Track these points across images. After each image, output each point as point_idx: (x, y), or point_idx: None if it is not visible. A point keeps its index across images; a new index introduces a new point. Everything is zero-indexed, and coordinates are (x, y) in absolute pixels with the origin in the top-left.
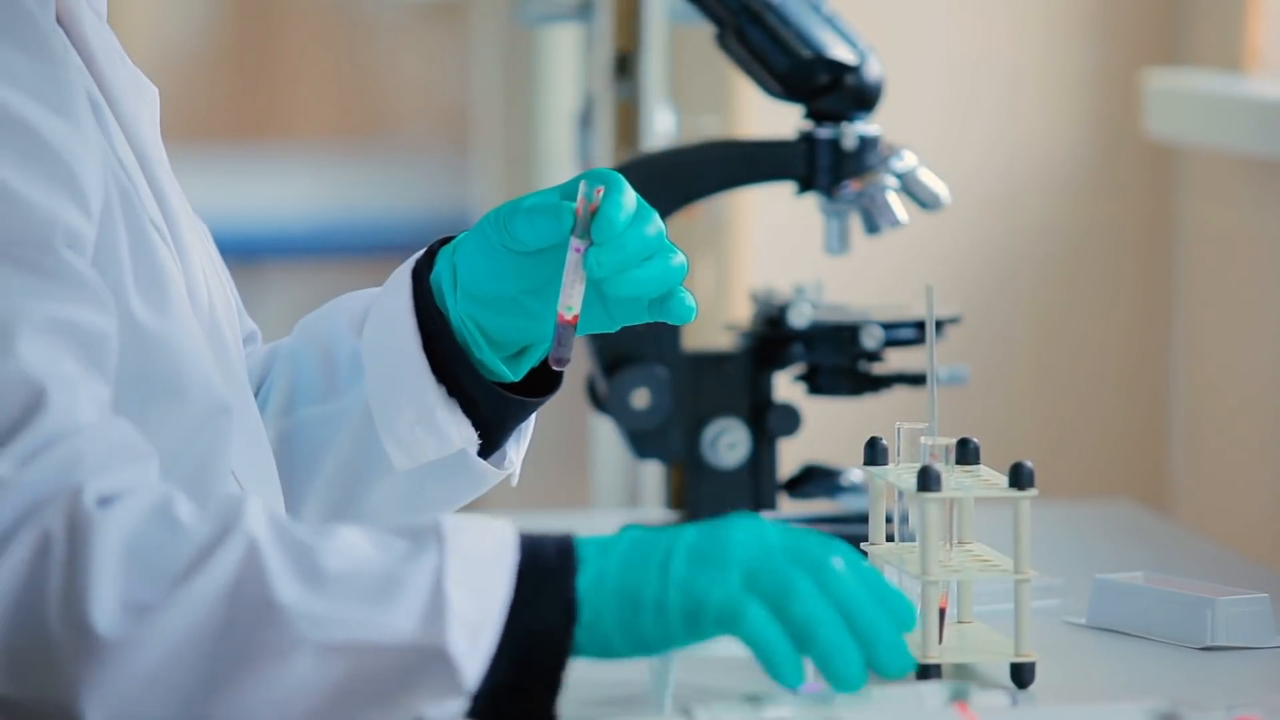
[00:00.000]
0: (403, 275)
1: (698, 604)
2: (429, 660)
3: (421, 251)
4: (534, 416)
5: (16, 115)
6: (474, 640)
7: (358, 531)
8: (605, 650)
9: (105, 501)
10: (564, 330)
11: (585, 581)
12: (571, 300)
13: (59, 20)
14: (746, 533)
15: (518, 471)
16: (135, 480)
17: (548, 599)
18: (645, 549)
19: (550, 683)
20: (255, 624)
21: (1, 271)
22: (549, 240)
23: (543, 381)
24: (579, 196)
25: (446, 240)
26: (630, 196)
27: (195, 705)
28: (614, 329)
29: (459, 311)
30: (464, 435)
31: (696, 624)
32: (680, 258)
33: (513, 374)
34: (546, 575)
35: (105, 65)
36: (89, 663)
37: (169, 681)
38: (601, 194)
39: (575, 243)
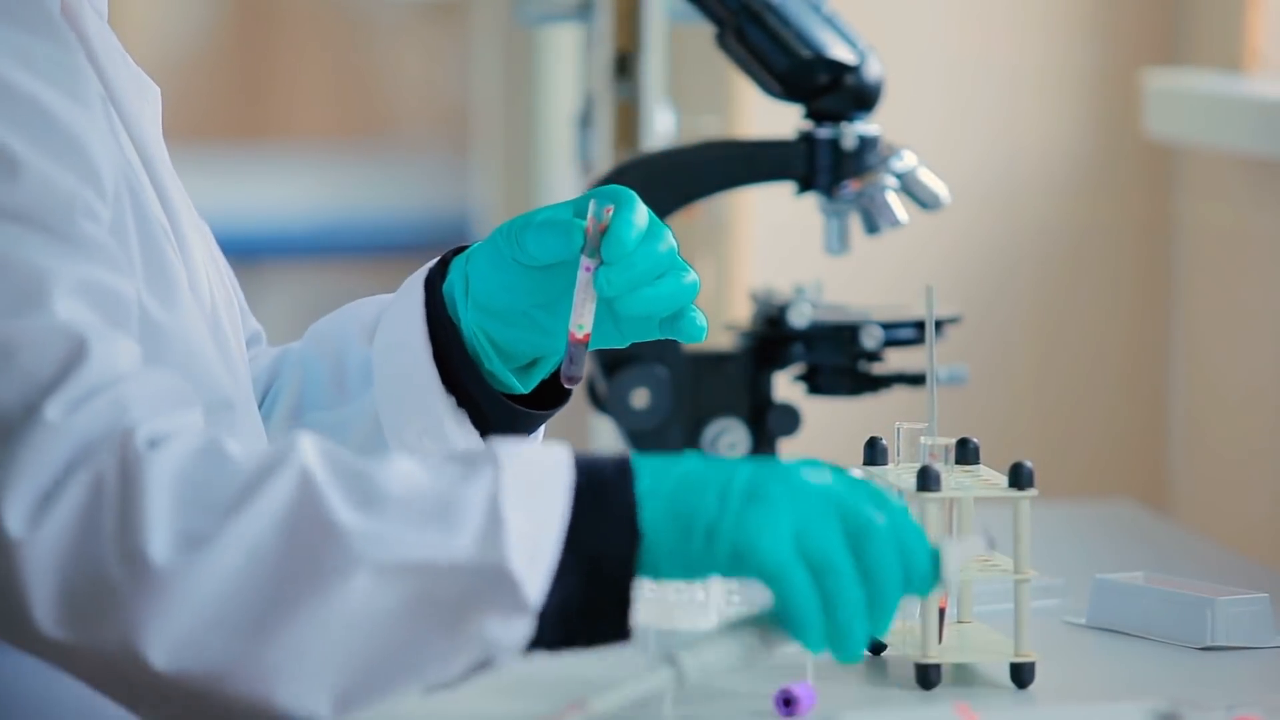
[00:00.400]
0: (415, 284)
1: (748, 547)
2: (490, 579)
3: (435, 260)
4: (543, 428)
5: (34, 98)
6: (534, 556)
7: (411, 459)
8: (655, 569)
9: (155, 443)
10: (576, 349)
11: (642, 496)
12: (583, 319)
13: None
14: (805, 480)
15: None
16: (183, 424)
17: (607, 513)
18: (704, 475)
19: (620, 597)
20: (312, 547)
21: (29, 238)
22: (559, 257)
23: (552, 394)
24: (589, 215)
25: (460, 250)
26: (642, 214)
27: (256, 636)
28: (624, 344)
29: (470, 322)
30: (471, 446)
31: (741, 565)
32: (692, 276)
33: (522, 386)
34: (605, 490)
35: (107, 65)
36: (148, 597)
37: (229, 611)
38: (612, 213)
39: (586, 261)
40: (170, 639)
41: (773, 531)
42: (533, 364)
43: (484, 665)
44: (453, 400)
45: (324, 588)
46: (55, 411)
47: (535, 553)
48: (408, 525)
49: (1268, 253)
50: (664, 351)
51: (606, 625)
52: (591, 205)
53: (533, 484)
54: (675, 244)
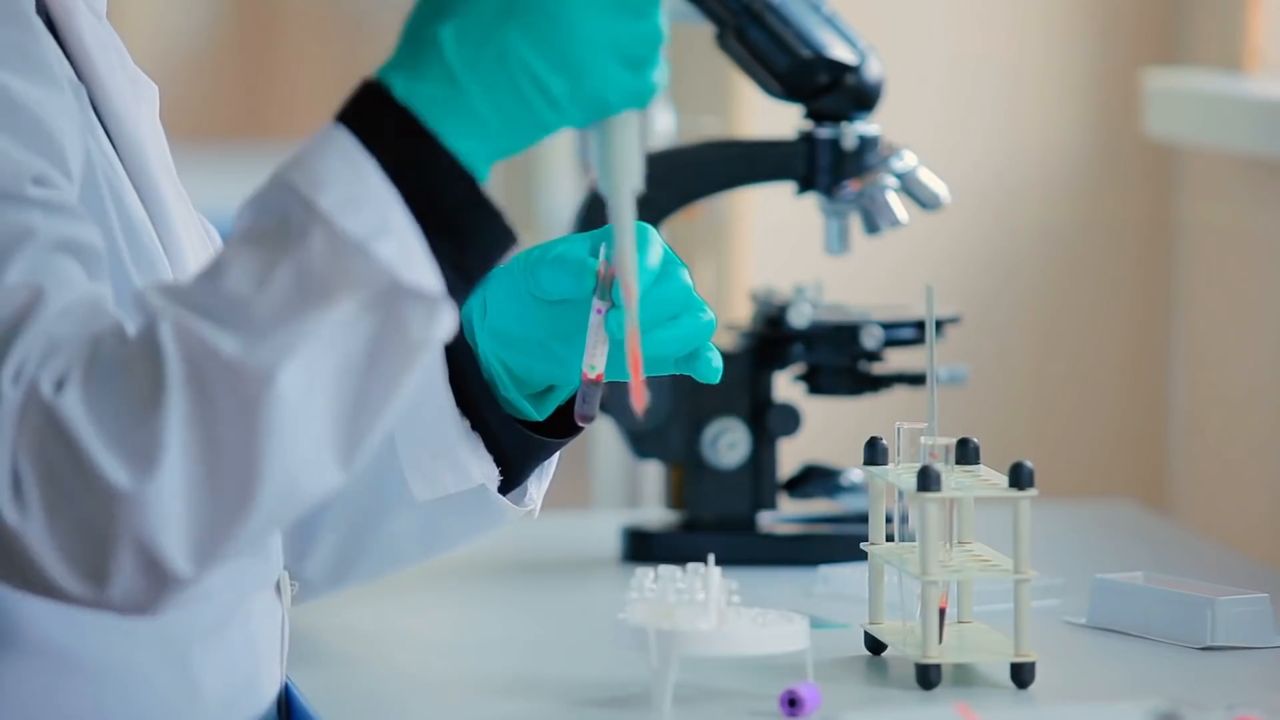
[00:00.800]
0: None
1: (600, 105)
2: (392, 305)
3: None
4: (557, 454)
5: None
6: (407, 256)
7: (241, 253)
8: (508, 154)
9: (60, 383)
10: (589, 389)
11: (453, 136)
12: (595, 360)
13: (52, 16)
14: (578, 10)
15: (538, 508)
16: (73, 350)
17: (438, 175)
18: (494, 69)
19: (494, 231)
20: (231, 397)
21: None
22: (571, 295)
23: (566, 422)
24: (601, 257)
25: None
26: (655, 254)
27: (248, 487)
28: (641, 377)
29: (486, 349)
30: (485, 472)
31: (602, 115)
32: (709, 315)
33: (537, 413)
34: (418, 154)
35: (100, 64)
36: (141, 527)
37: (212, 495)
38: None
39: (597, 304)
40: (183, 547)
41: (607, 76)
42: (548, 391)
43: (436, 350)
44: (467, 424)
45: (264, 413)
46: (5, 381)
47: (406, 253)
48: (288, 320)
49: (1268, 253)
50: None
51: (496, 252)
52: (603, 248)
53: (353, 198)
54: (691, 282)
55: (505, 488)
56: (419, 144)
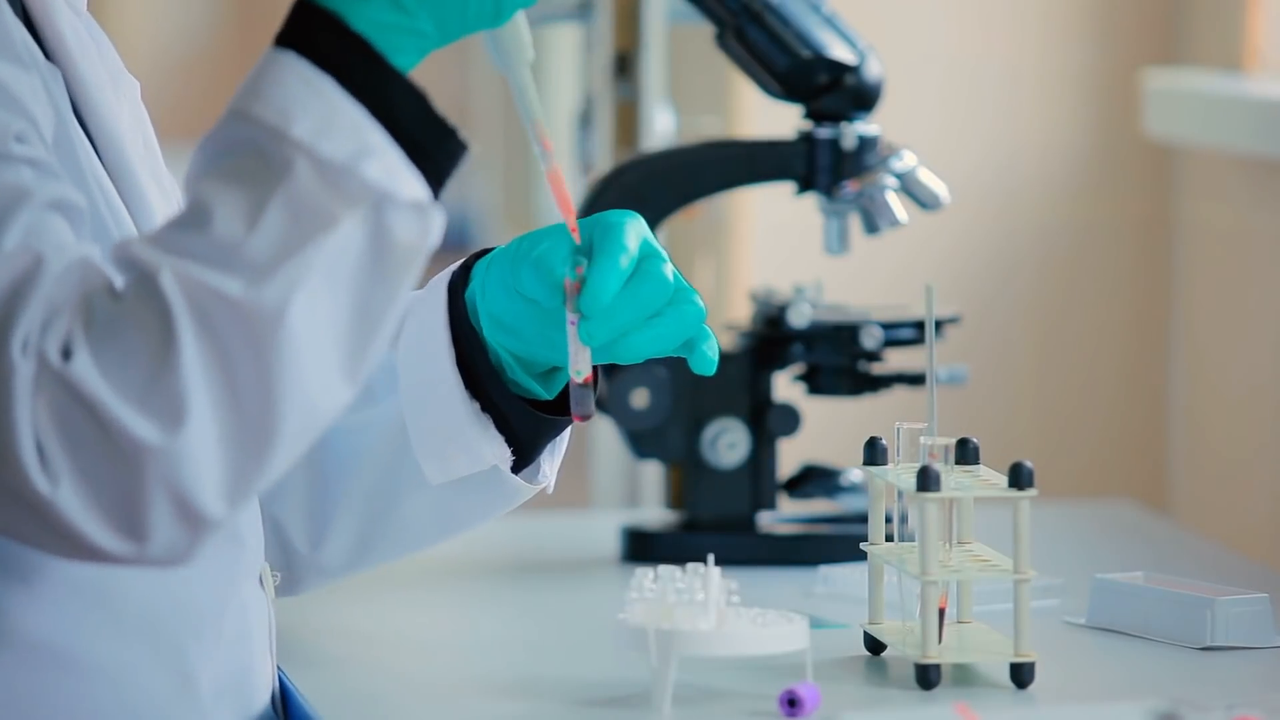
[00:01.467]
0: (439, 287)
1: (526, 1)
2: (383, 219)
3: (458, 265)
4: (569, 430)
5: None
6: (390, 172)
7: (221, 193)
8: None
9: (67, 351)
10: (579, 391)
11: (398, 53)
12: (580, 365)
13: (28, 8)
14: None
15: (553, 483)
16: (69, 315)
17: (388, 91)
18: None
19: (448, 148)
20: (242, 337)
21: None
22: (545, 301)
23: None
24: (567, 272)
25: (484, 253)
26: (625, 258)
27: (269, 430)
28: (640, 361)
29: (489, 334)
30: (496, 452)
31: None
32: (697, 304)
33: (546, 391)
34: (371, 80)
35: (77, 54)
36: (175, 481)
37: (238, 441)
38: (585, 269)
39: (570, 315)
40: (217, 491)
41: None
42: (555, 370)
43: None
44: (476, 406)
45: (278, 350)
46: (16, 351)
47: (391, 170)
48: (287, 254)
49: (1268, 253)
50: None
51: (454, 163)
52: (572, 259)
53: (325, 124)
54: (669, 276)
55: (518, 466)
56: (370, 64)
